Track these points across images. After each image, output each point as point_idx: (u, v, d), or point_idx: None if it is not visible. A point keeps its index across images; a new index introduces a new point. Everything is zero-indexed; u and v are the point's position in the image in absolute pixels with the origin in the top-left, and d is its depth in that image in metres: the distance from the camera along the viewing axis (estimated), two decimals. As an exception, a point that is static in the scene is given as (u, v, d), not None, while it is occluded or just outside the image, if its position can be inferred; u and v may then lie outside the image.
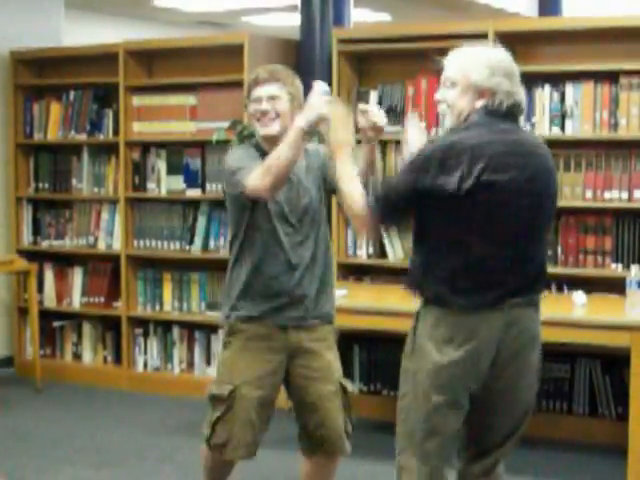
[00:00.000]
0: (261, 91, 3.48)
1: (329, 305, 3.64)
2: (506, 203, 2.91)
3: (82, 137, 6.53)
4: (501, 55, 3.02)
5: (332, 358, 3.60)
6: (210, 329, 6.19)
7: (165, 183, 6.28)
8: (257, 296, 3.49)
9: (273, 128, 3.47)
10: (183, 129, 6.19)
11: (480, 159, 2.86)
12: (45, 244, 6.77)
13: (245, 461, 3.65)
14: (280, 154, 3.29)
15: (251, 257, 3.49)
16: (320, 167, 3.61)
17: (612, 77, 5.12)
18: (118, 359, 6.53)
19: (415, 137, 3.27)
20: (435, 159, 2.88)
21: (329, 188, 3.61)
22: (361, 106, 3.32)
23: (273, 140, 3.46)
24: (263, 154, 3.47)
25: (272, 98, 3.47)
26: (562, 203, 5.21)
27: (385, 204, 2.97)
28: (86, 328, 6.65)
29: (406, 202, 2.97)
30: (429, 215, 2.96)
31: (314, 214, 3.56)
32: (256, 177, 3.31)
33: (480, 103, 2.97)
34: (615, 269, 5.14)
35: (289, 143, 3.30)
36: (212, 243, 6.16)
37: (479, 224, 2.91)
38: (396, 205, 2.99)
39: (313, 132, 3.50)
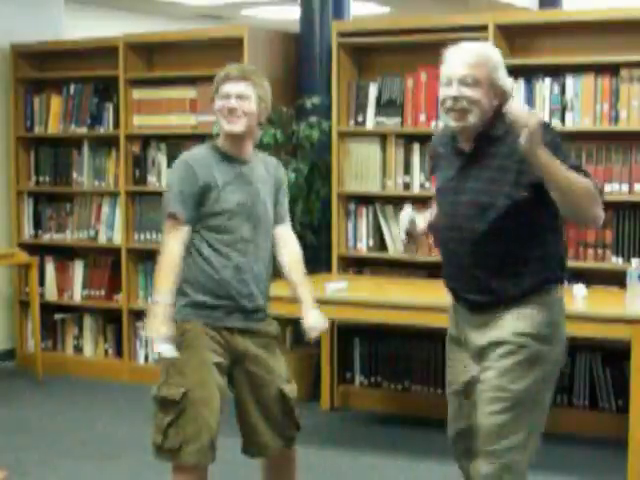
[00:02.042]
0: (230, 88, 3.41)
1: (266, 304, 3.58)
2: None
3: (82, 130, 6.54)
4: None
5: (275, 364, 3.54)
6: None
7: (165, 176, 6.28)
8: (206, 298, 3.42)
9: (238, 126, 3.42)
10: (183, 122, 6.19)
11: None
12: (46, 237, 6.77)
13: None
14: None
15: (202, 258, 3.43)
16: (275, 182, 3.59)
17: (613, 69, 5.11)
18: (119, 352, 6.55)
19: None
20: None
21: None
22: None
23: (235, 138, 3.45)
24: (221, 156, 3.46)
25: (241, 97, 3.41)
26: (562, 196, 5.22)
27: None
28: (87, 321, 6.66)
29: None
30: (543, 204, 3.00)
31: (267, 225, 3.53)
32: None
33: (495, 102, 3.03)
34: (615, 262, 5.14)
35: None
36: (212, 236, 6.16)
37: None
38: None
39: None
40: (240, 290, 3.43)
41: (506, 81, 3.05)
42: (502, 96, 3.03)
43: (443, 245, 3.21)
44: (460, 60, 3.02)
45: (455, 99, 3.00)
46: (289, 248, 3.63)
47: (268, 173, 3.57)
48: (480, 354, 3.11)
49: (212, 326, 3.42)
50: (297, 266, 3.62)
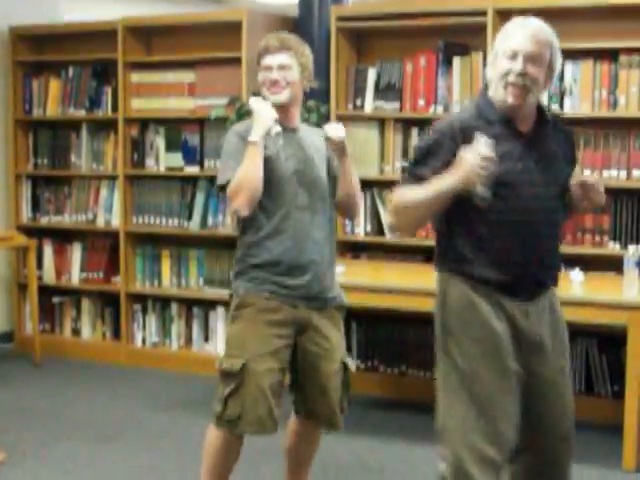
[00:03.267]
0: (272, 60, 3.48)
1: (337, 287, 3.65)
2: None
3: (81, 113, 6.53)
4: None
5: (338, 337, 3.63)
6: (208, 305, 6.21)
7: (164, 160, 6.28)
8: (269, 272, 3.48)
9: (282, 96, 3.49)
10: (182, 106, 6.19)
11: None
12: (44, 220, 6.78)
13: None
14: (246, 170, 3.35)
15: (260, 231, 3.48)
16: (326, 150, 3.60)
17: (611, 55, 5.11)
18: (117, 334, 6.56)
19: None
20: None
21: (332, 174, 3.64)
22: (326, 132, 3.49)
23: (282, 109, 3.49)
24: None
25: (282, 67, 3.47)
26: (560, 181, 5.23)
27: None
28: (85, 304, 6.68)
29: None
30: None
31: (323, 191, 3.56)
32: (231, 198, 3.40)
33: (547, 85, 3.01)
34: (613, 248, 5.15)
35: (250, 158, 3.36)
36: (210, 220, 6.17)
37: None
38: None
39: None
40: (300, 262, 3.47)
41: (558, 66, 3.01)
42: (551, 80, 3.01)
43: (516, 221, 3.00)
44: (530, 35, 2.92)
45: (520, 75, 2.91)
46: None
47: (320, 142, 3.57)
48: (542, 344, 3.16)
49: (275, 299, 3.48)
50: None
